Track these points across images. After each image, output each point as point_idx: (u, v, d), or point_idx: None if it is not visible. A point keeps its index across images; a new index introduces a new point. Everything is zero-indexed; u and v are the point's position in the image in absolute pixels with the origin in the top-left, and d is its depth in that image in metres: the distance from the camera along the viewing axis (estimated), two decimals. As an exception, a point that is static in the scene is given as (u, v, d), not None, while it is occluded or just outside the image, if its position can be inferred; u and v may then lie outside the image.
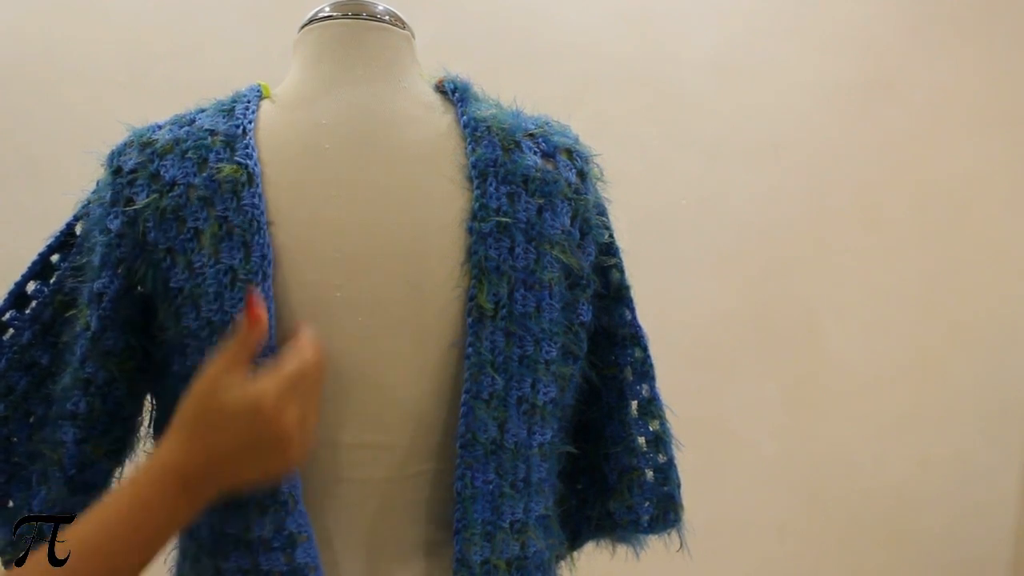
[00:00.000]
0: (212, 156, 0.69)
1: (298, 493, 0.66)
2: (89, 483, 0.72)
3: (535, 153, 0.73)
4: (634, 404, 0.81)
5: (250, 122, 0.70)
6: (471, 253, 0.69)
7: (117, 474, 0.76)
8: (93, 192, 0.74)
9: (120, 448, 0.74)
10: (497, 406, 0.68)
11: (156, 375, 0.73)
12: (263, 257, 0.66)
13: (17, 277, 0.76)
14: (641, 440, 0.81)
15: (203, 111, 0.73)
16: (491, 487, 0.68)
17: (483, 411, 0.68)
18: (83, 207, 0.76)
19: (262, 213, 0.67)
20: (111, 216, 0.70)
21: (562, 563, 0.84)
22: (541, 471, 0.72)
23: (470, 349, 0.68)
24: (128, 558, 0.61)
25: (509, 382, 0.69)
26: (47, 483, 0.72)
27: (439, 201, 0.70)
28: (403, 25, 0.76)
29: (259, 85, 0.75)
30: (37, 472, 0.73)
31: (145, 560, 0.62)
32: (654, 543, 0.84)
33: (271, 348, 0.65)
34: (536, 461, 0.71)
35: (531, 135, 0.74)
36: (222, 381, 0.62)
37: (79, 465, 0.71)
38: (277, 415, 0.61)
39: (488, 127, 0.72)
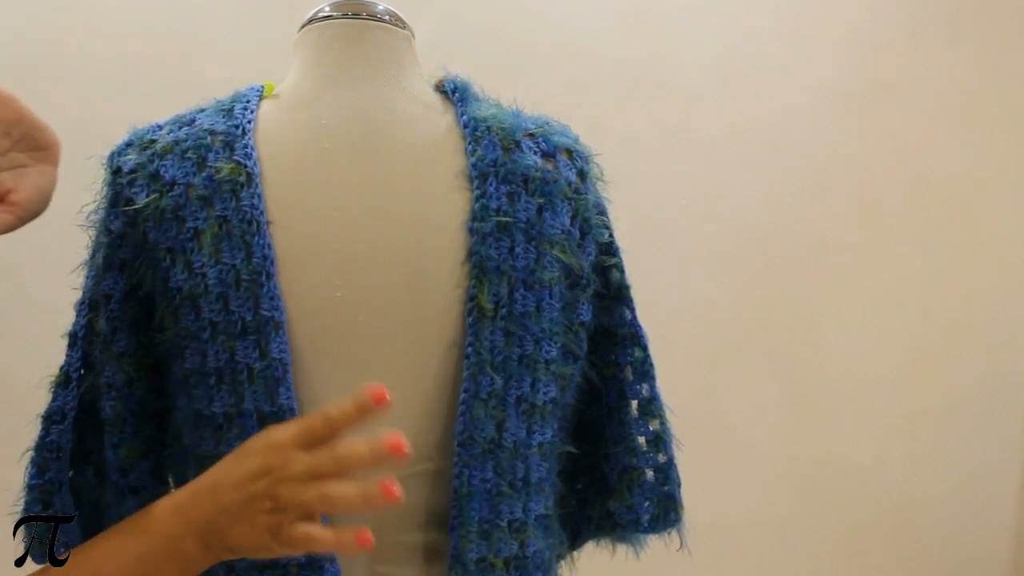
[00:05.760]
0: (211, 156, 0.69)
1: None
2: (135, 486, 0.72)
3: (535, 153, 0.73)
4: (634, 404, 0.81)
5: (249, 122, 0.70)
6: (471, 253, 0.69)
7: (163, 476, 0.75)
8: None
9: (156, 448, 0.73)
10: (496, 405, 0.68)
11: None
12: (265, 257, 0.66)
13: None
14: (641, 440, 0.81)
15: (203, 111, 0.73)
16: (489, 486, 0.68)
17: (481, 410, 0.68)
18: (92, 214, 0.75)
19: (261, 213, 0.67)
20: (112, 217, 0.70)
21: (562, 563, 0.84)
22: (541, 471, 0.72)
23: (470, 349, 0.68)
24: None
25: (508, 381, 0.69)
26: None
27: (439, 201, 0.70)
28: (403, 25, 0.76)
29: (260, 85, 0.75)
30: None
31: None
32: (654, 543, 0.84)
33: (283, 350, 0.65)
34: (536, 461, 0.71)
35: (531, 135, 0.74)
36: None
37: (120, 470, 0.71)
38: (277, 456, 0.54)
39: (488, 127, 0.72)
